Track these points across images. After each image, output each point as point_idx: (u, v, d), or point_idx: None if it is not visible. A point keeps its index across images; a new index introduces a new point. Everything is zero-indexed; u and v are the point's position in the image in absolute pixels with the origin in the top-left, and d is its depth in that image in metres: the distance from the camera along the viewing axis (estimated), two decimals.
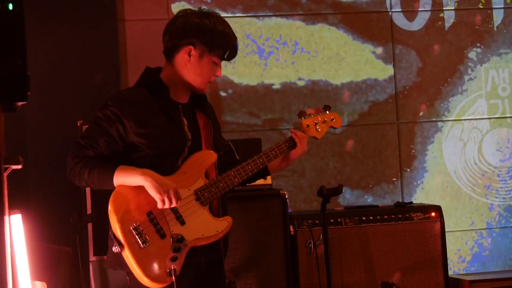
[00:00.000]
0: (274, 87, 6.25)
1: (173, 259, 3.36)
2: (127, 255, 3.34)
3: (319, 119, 3.84)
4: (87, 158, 3.44)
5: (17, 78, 2.51)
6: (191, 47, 3.50)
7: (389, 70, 6.39)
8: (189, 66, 3.52)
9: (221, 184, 3.52)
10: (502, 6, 6.54)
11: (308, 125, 3.81)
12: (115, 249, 3.34)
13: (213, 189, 3.50)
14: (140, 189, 3.39)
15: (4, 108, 2.63)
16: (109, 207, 3.38)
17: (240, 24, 6.20)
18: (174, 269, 3.33)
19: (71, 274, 4.98)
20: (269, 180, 5.22)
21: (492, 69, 6.52)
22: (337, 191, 4.95)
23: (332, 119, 3.88)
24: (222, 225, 3.52)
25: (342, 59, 6.34)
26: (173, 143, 3.48)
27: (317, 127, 3.83)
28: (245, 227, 5.10)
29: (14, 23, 2.48)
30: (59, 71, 5.82)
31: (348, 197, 6.22)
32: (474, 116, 6.47)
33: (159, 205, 3.36)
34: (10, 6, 2.51)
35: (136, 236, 3.35)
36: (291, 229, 5.27)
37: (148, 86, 3.53)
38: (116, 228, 3.35)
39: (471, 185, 6.42)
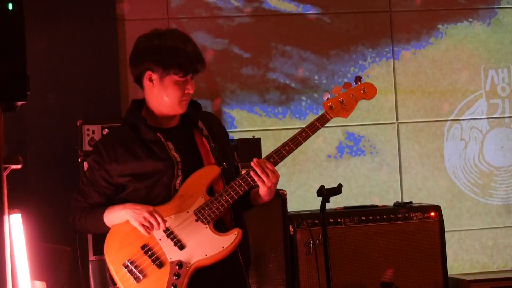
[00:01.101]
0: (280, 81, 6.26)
1: (174, 286, 3.34)
2: None
3: (346, 95, 3.52)
4: (81, 210, 3.52)
5: (17, 78, 2.51)
6: (149, 72, 3.43)
7: (389, 70, 6.39)
8: (155, 91, 3.45)
9: (223, 198, 3.41)
10: (500, 6, 6.54)
11: (331, 106, 3.50)
12: None
13: (214, 205, 3.41)
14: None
15: (3, 107, 2.62)
16: (103, 248, 3.44)
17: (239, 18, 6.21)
18: None
19: (71, 274, 4.98)
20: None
21: (491, 69, 6.52)
22: (337, 191, 4.95)
23: (363, 90, 3.55)
24: (228, 239, 3.41)
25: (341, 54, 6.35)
26: (159, 172, 3.43)
27: (344, 104, 3.51)
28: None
29: (14, 23, 2.48)
30: (59, 70, 5.82)
31: (347, 197, 6.22)
32: (474, 116, 6.47)
33: (144, 233, 3.34)
34: (10, 6, 2.51)
35: (128, 273, 3.36)
36: (291, 228, 5.27)
37: (127, 123, 3.54)
38: (110, 268, 3.41)
39: (471, 185, 6.42)
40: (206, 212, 3.40)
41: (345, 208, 5.61)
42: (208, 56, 6.13)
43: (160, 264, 3.36)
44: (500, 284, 5.69)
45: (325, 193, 4.92)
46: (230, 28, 6.24)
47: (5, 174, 2.70)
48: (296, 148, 3.45)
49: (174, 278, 3.34)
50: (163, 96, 3.44)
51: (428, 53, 6.45)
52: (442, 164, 6.41)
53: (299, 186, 6.21)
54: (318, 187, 4.95)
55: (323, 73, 6.30)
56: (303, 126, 3.47)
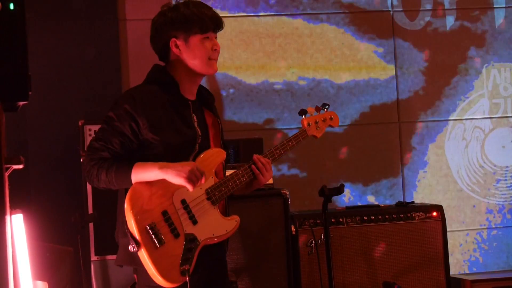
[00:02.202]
0: (275, 86, 6.25)
1: (186, 259, 3.37)
2: (143, 255, 3.34)
3: (319, 117, 3.84)
4: (102, 160, 3.43)
5: (18, 78, 2.51)
6: (174, 39, 3.53)
7: (390, 70, 6.39)
8: (183, 56, 3.54)
9: (230, 184, 3.53)
10: (504, 5, 6.53)
11: (309, 124, 3.81)
12: (132, 248, 3.34)
13: (223, 189, 3.52)
14: (156, 187, 3.40)
15: (5, 107, 2.63)
16: (126, 205, 3.37)
17: (241, 22, 6.20)
18: (188, 269, 3.35)
19: (73, 274, 4.98)
20: (270, 179, 5.21)
21: (493, 69, 6.52)
22: (339, 190, 4.95)
23: (331, 118, 3.89)
24: (230, 224, 3.54)
25: (344, 57, 6.34)
26: (185, 140, 3.48)
27: (318, 125, 3.83)
28: (246, 227, 5.09)
29: (15, 23, 2.48)
30: (60, 70, 5.82)
31: (349, 197, 6.21)
32: (476, 116, 6.47)
33: (190, 188, 3.39)
34: (11, 6, 2.51)
35: (153, 235, 3.36)
36: (293, 228, 5.26)
37: (159, 82, 3.55)
38: (132, 226, 3.35)
39: (473, 185, 6.41)
40: (217, 193, 3.51)
41: (347, 208, 5.61)
42: None
43: (177, 234, 3.39)
44: (502, 284, 5.68)
45: (327, 193, 4.93)
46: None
47: (6, 174, 2.70)
48: (284, 154, 3.71)
49: (187, 250, 3.39)
50: (192, 58, 3.53)
51: (431, 52, 6.45)
52: (445, 164, 6.40)
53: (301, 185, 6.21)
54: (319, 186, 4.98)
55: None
56: None
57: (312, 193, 5.93)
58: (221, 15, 3.61)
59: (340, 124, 6.12)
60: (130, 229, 3.36)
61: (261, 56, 6.25)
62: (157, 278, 3.35)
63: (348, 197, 6.21)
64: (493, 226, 6.41)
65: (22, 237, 3.23)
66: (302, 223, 5.31)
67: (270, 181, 5.19)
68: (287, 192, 5.21)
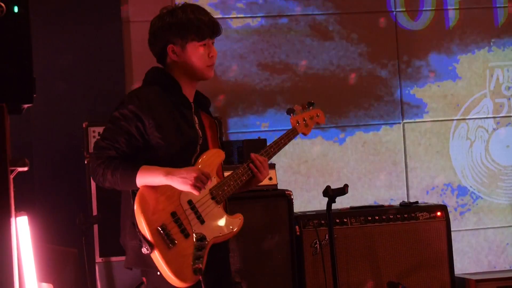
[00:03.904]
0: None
1: (198, 258, 3.41)
2: (156, 256, 3.36)
3: (307, 115, 3.91)
4: (109, 159, 3.44)
5: (23, 81, 2.51)
6: (171, 45, 3.55)
7: (394, 70, 6.39)
8: (180, 62, 3.55)
9: (232, 183, 3.58)
10: (505, 5, 6.53)
11: (298, 122, 3.86)
12: (145, 250, 3.35)
13: (225, 188, 3.56)
14: (164, 189, 3.42)
15: (10, 110, 2.63)
16: (136, 208, 3.38)
17: (236, 23, 6.20)
18: (200, 268, 3.37)
19: (77, 276, 4.98)
20: (274, 180, 5.22)
21: (497, 68, 6.52)
22: (343, 191, 4.95)
23: (317, 115, 3.96)
24: (235, 222, 3.59)
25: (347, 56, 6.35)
26: (188, 141, 3.51)
27: (306, 123, 3.89)
28: (250, 228, 5.09)
29: (20, 26, 2.49)
30: (64, 72, 5.83)
31: (353, 198, 6.21)
32: (479, 115, 6.47)
33: (196, 193, 3.41)
34: (16, 9, 2.52)
35: (165, 236, 3.37)
36: (297, 229, 5.27)
37: (160, 83, 3.56)
38: (144, 229, 3.36)
39: (478, 184, 6.41)
40: (220, 193, 3.55)
41: (351, 208, 5.61)
42: None
43: (187, 234, 3.42)
44: (507, 283, 5.67)
45: (331, 194, 4.93)
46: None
47: (11, 176, 2.71)
48: (277, 152, 3.78)
49: (197, 249, 3.42)
50: (189, 65, 3.56)
51: (434, 51, 6.45)
52: (449, 164, 6.40)
53: (304, 186, 6.20)
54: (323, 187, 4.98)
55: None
56: None
57: (316, 193, 5.97)
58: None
59: (344, 124, 6.22)
60: (142, 232, 3.37)
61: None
62: (172, 279, 3.36)
63: (351, 197, 6.19)
64: (498, 226, 6.40)
65: (27, 239, 3.23)
66: (306, 224, 5.32)
67: (274, 181, 5.21)
68: (291, 193, 5.21)
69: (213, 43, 3.61)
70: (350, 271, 5.32)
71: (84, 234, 5.10)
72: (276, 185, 5.24)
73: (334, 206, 4.66)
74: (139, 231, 3.37)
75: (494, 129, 6.49)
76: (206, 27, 3.55)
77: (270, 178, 5.19)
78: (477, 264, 6.36)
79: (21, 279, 3.05)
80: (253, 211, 5.12)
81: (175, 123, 3.50)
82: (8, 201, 2.65)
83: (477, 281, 5.64)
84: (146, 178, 3.41)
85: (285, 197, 5.19)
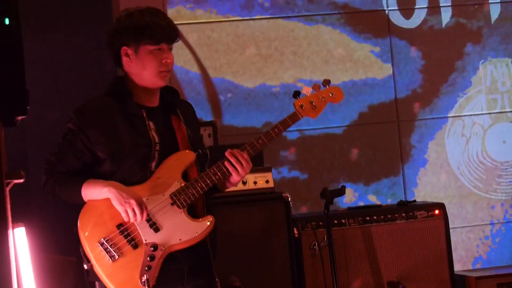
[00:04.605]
0: (273, 89, 6.24)
1: (148, 269, 3.35)
2: (98, 271, 3.37)
3: (316, 96, 3.65)
4: (58, 174, 3.47)
5: (16, 93, 2.51)
6: (124, 47, 3.49)
7: (387, 69, 6.38)
8: (133, 65, 3.50)
9: (199, 184, 3.46)
10: (499, 0, 6.53)
11: (302, 105, 3.63)
12: (86, 266, 3.37)
13: (190, 191, 3.45)
14: (110, 202, 3.39)
15: (3, 122, 2.62)
16: (78, 224, 3.40)
17: (236, 26, 6.19)
18: (147, 279, 3.32)
19: (76, 284, 4.97)
20: (271, 183, 5.20)
21: (490, 64, 6.52)
22: (340, 192, 4.96)
23: (332, 94, 3.68)
24: (201, 226, 3.46)
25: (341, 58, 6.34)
26: (136, 149, 3.44)
27: (313, 104, 3.64)
28: (248, 231, 5.09)
29: (11, 38, 2.48)
30: (58, 80, 5.81)
31: (351, 198, 6.21)
32: (474, 112, 6.46)
33: (124, 218, 3.36)
34: (7, 21, 2.51)
35: (103, 251, 3.36)
36: (295, 231, 5.26)
37: (112, 93, 3.53)
38: (84, 245, 3.39)
39: (475, 181, 6.41)
40: (182, 197, 3.44)
41: (349, 208, 5.60)
42: (209, 53, 6.12)
43: (135, 245, 3.38)
44: (507, 280, 5.66)
45: (328, 195, 4.93)
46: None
47: (7, 189, 2.70)
48: (269, 143, 3.58)
49: (148, 259, 3.36)
50: (141, 69, 3.49)
51: (428, 49, 6.44)
52: (446, 161, 6.39)
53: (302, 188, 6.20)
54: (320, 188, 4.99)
55: None
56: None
57: (313, 195, 5.96)
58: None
59: (339, 125, 6.21)
60: (83, 248, 3.38)
61: (258, 59, 6.24)
62: None
63: (349, 198, 6.19)
64: (496, 222, 6.40)
65: (25, 250, 3.23)
66: (304, 226, 5.31)
67: (271, 184, 5.18)
68: (288, 196, 5.20)
69: (170, 49, 3.52)
70: (350, 272, 5.31)
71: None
72: (273, 187, 5.23)
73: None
74: (80, 246, 3.39)
75: (489, 125, 6.48)
76: (161, 31, 3.46)
77: (267, 181, 5.18)
78: (476, 261, 6.36)
79: None
80: (251, 215, 5.12)
81: (122, 133, 3.44)
82: (4, 214, 2.64)
83: (477, 278, 5.64)
84: (90, 191, 3.41)
85: (282, 200, 5.18)
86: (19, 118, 2.62)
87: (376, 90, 6.36)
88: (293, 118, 3.61)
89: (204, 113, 6.05)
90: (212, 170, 3.49)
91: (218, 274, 4.83)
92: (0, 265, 2.64)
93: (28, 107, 2.55)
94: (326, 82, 3.68)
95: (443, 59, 6.45)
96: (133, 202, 3.34)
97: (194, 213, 3.51)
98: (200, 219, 3.48)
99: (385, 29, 6.40)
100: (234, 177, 3.52)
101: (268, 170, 5.21)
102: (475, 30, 6.51)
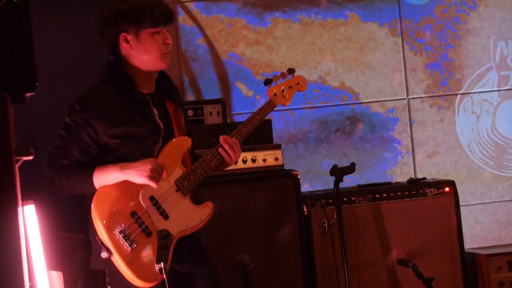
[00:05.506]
0: None
1: (162, 257, 3.36)
2: (117, 260, 3.35)
3: (285, 84, 3.79)
4: (63, 168, 3.43)
5: (25, 69, 2.50)
6: (124, 34, 3.45)
7: (397, 46, 6.35)
8: (134, 51, 3.46)
9: (199, 171, 3.50)
10: None
11: (275, 93, 3.76)
12: (104, 255, 3.35)
13: (192, 177, 3.48)
14: (122, 189, 3.38)
15: (13, 99, 2.62)
16: (93, 212, 3.37)
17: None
18: (164, 267, 3.33)
19: (86, 262, 4.98)
20: (280, 160, 5.19)
21: (501, 41, 6.48)
22: (350, 169, 4.94)
23: (298, 83, 3.83)
24: (204, 212, 3.52)
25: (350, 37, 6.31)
26: (147, 137, 3.44)
27: (284, 93, 3.78)
28: (257, 209, 5.09)
29: (20, 15, 2.47)
30: (67, 61, 5.80)
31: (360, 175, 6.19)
32: (485, 89, 6.43)
33: (153, 185, 3.36)
34: None
35: (123, 239, 3.35)
36: (305, 209, 5.25)
37: (114, 82, 3.48)
38: (102, 234, 3.36)
39: (485, 158, 6.39)
40: (186, 183, 3.47)
41: (359, 186, 5.59)
42: (213, 34, 6.10)
43: (149, 233, 3.39)
44: None
45: (338, 173, 4.92)
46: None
47: (17, 166, 2.70)
48: (253, 130, 3.66)
49: (161, 247, 3.38)
50: (143, 54, 3.46)
51: (437, 26, 6.40)
52: (456, 138, 6.37)
53: (311, 165, 6.19)
54: (330, 166, 4.97)
55: None
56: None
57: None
58: None
59: (350, 101, 6.19)
60: (101, 237, 3.36)
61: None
62: (134, 281, 3.35)
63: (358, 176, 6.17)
64: (506, 199, 6.38)
65: (35, 228, 3.23)
66: (314, 204, 5.30)
67: (280, 162, 5.17)
68: (297, 173, 5.18)
69: (167, 30, 3.50)
70: (359, 249, 5.31)
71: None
72: (282, 165, 5.21)
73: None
74: (97, 236, 3.37)
75: (498, 102, 6.45)
76: (160, 13, 3.44)
77: (276, 159, 5.17)
78: (486, 239, 6.35)
79: (30, 268, 3.04)
80: (260, 192, 5.11)
81: (130, 122, 3.42)
82: (14, 191, 2.64)
83: (488, 255, 5.62)
84: (102, 177, 3.38)
85: (292, 177, 5.17)
86: (28, 94, 2.61)
87: (385, 67, 6.33)
88: (270, 106, 3.73)
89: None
90: (208, 157, 3.53)
91: (228, 252, 4.87)
92: (10, 242, 2.64)
93: (37, 84, 2.55)
94: (291, 71, 3.83)
95: (452, 36, 6.41)
96: (153, 165, 3.34)
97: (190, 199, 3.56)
98: (201, 205, 3.54)
99: (395, 7, 6.36)
100: (227, 163, 3.59)
101: (278, 147, 5.20)
102: (484, 5, 6.45)
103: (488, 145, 6.40)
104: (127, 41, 3.46)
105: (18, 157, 2.71)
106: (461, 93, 6.40)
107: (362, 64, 6.29)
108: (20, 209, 2.72)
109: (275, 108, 3.78)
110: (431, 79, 6.37)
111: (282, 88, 3.77)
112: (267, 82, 3.78)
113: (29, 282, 2.85)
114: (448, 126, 6.37)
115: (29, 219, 3.17)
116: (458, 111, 6.39)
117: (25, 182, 2.98)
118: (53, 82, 5.69)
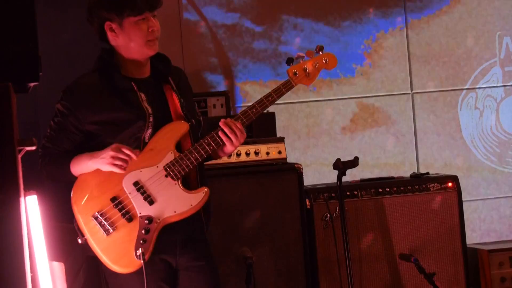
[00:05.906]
0: None
1: (143, 242, 3.34)
2: (92, 244, 3.37)
3: (309, 63, 3.58)
4: (50, 157, 3.49)
5: (28, 59, 2.48)
6: (108, 22, 3.45)
7: (402, 39, 6.34)
8: (119, 39, 3.46)
9: (193, 155, 3.42)
10: None
11: (295, 72, 3.57)
12: (79, 240, 3.35)
13: (184, 162, 3.42)
14: (105, 174, 3.38)
15: (16, 89, 2.60)
16: (71, 199, 3.41)
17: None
18: (142, 253, 3.31)
19: (88, 253, 4.98)
20: (283, 154, 5.18)
21: (506, 36, 6.46)
22: (353, 163, 4.93)
23: (325, 61, 3.61)
24: (196, 197, 3.43)
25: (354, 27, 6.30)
26: (130, 122, 3.42)
27: (307, 72, 3.57)
28: (260, 202, 5.08)
29: (24, 3, 2.46)
30: (71, 50, 5.79)
31: (363, 170, 6.19)
32: (489, 84, 6.42)
33: (118, 171, 3.33)
34: None
35: (98, 225, 3.35)
36: (307, 203, 5.24)
37: (99, 69, 3.50)
38: (78, 219, 3.40)
39: (488, 154, 6.38)
40: (176, 168, 3.41)
41: (362, 180, 5.58)
42: (220, 31, 6.10)
43: (129, 218, 3.37)
44: None
45: (341, 166, 4.91)
46: (241, 1, 6.19)
47: (20, 156, 2.69)
48: (262, 111, 3.50)
49: (143, 232, 3.35)
50: (128, 42, 3.45)
51: (442, 21, 6.39)
52: (459, 134, 6.36)
53: (314, 159, 6.18)
54: (333, 160, 4.96)
55: (336, 45, 6.25)
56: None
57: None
58: None
59: (353, 95, 6.18)
60: (77, 221, 3.37)
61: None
62: (110, 266, 3.36)
63: (361, 170, 6.17)
64: (509, 195, 6.38)
65: (37, 218, 3.22)
66: (317, 197, 5.29)
67: (283, 155, 5.16)
68: (301, 166, 5.18)
69: (154, 16, 3.47)
70: (362, 244, 5.30)
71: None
72: (285, 158, 5.21)
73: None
74: (74, 221, 3.37)
75: (502, 98, 6.44)
76: (143, 1, 3.40)
77: (280, 152, 5.16)
78: (488, 234, 6.34)
79: (32, 258, 3.03)
80: (263, 185, 5.10)
81: (111, 108, 3.41)
82: (16, 181, 2.63)
83: (490, 251, 5.62)
84: (78, 167, 3.42)
85: (295, 171, 5.16)
86: (31, 84, 2.60)
87: (391, 61, 6.32)
88: (287, 86, 3.55)
89: (217, 80, 6.03)
90: (206, 141, 3.45)
91: (230, 244, 4.86)
92: (12, 232, 2.63)
93: (41, 74, 2.53)
94: (320, 48, 3.62)
95: (458, 31, 6.40)
96: (109, 152, 3.32)
97: (187, 184, 3.49)
98: (195, 191, 3.45)
99: (401, 2, 6.35)
100: (228, 147, 3.49)
101: (281, 140, 5.19)
102: (492, 0, 6.44)
103: (491, 140, 6.39)
104: (112, 30, 3.47)
105: (21, 147, 2.70)
106: (467, 88, 6.39)
107: None
108: (22, 199, 2.71)
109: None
110: (435, 73, 6.36)
111: (304, 66, 3.56)
112: (289, 61, 3.57)
113: (31, 273, 2.84)
114: (452, 121, 6.36)
115: (31, 209, 3.16)
116: (461, 107, 6.38)
117: (27, 173, 2.97)
118: (57, 72, 5.69)
